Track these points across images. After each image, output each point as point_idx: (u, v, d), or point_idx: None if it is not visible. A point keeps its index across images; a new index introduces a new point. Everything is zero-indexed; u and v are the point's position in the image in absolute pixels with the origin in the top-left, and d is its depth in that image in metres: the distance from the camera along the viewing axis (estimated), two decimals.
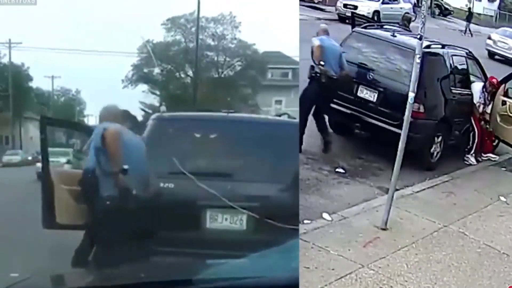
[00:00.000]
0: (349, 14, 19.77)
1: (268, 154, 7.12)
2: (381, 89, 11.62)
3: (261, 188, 7.03)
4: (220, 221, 6.90)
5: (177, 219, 6.80)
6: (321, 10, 37.72)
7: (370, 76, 11.74)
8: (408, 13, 24.78)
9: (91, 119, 44.33)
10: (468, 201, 10.53)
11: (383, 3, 34.16)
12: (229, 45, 39.29)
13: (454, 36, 36.09)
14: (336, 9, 34.83)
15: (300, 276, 6.95)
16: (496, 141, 13.41)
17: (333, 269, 7.30)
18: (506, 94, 13.06)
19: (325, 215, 8.84)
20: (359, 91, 11.81)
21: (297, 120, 8.26)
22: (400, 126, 9.04)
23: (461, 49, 13.27)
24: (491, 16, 56.24)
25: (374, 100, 11.66)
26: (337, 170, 11.01)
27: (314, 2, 39.41)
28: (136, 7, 46.20)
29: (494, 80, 12.98)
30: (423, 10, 8.91)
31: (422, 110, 11.20)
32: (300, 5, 38.56)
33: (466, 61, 12.93)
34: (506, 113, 12.90)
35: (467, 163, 12.77)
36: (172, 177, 6.88)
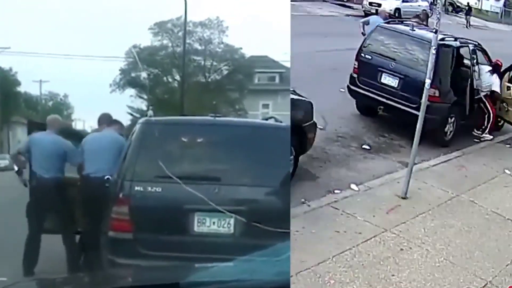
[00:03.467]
0: (374, 11, 19.63)
1: (256, 157, 6.18)
2: (402, 76, 11.46)
3: (249, 192, 6.12)
4: (208, 225, 6.01)
5: (164, 223, 6.01)
6: (349, 7, 37.37)
7: (392, 65, 11.60)
8: (425, 10, 24.45)
9: (79, 123, 41.44)
10: (477, 173, 10.35)
11: (403, 1, 33.83)
12: (216, 50, 35.48)
13: (464, 30, 35.60)
14: (362, 7, 34.61)
15: (331, 239, 6.95)
16: (502, 121, 13.25)
17: (360, 233, 7.24)
18: (510, 81, 12.88)
19: (353, 186, 8.77)
20: (382, 78, 11.68)
21: (287, 123, 7.04)
22: (418, 109, 8.91)
23: (471, 41, 13.05)
24: (497, 13, 55.19)
25: (396, 86, 11.51)
26: (363, 146, 10.92)
27: (343, 0, 39.13)
28: (124, 12, 42.33)
29: (498, 62, 12.79)
30: (438, 8, 8.76)
31: (437, 94, 11.03)
32: (330, 2, 38.32)
33: (476, 52, 12.67)
34: (510, 98, 12.73)
35: (483, 140, 12.56)
36: (160, 181, 5.99)
